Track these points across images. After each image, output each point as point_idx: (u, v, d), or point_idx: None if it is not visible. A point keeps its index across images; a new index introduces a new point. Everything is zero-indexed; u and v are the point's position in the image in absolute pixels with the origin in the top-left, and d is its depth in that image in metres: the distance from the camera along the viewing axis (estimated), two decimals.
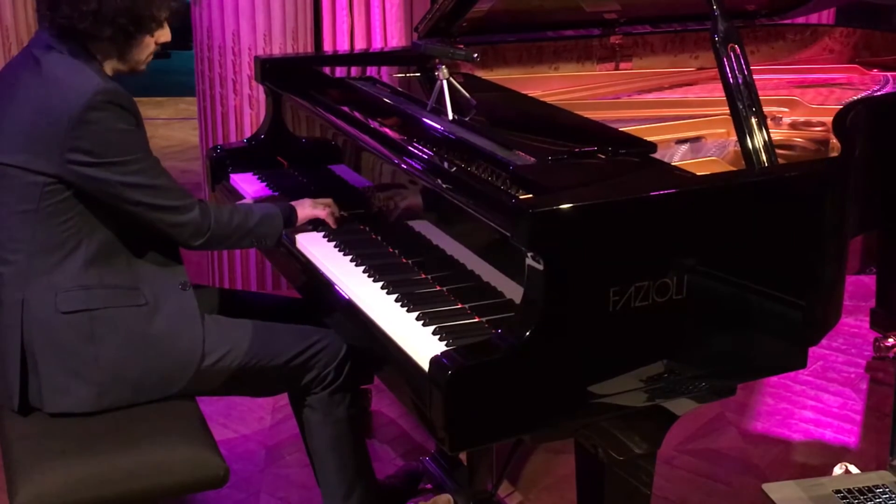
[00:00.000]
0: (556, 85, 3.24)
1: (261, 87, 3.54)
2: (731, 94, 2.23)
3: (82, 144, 2.20)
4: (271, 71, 3.21)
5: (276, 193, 2.99)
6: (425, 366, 1.93)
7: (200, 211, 2.38)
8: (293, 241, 2.65)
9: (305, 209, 2.64)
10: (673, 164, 2.30)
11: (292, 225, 2.62)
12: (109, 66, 2.35)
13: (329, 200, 2.69)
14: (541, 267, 1.87)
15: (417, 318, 2.16)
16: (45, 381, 2.30)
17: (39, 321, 2.28)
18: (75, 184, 2.24)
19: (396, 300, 2.26)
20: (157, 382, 2.35)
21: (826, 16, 4.49)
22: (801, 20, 3.83)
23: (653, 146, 2.29)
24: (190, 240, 2.39)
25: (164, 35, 2.40)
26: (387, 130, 2.61)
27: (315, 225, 2.69)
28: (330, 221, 2.66)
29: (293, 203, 2.64)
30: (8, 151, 2.27)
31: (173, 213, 2.33)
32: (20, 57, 2.38)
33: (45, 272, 2.28)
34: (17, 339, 2.30)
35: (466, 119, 2.52)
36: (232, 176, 3.24)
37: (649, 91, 3.27)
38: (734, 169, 2.38)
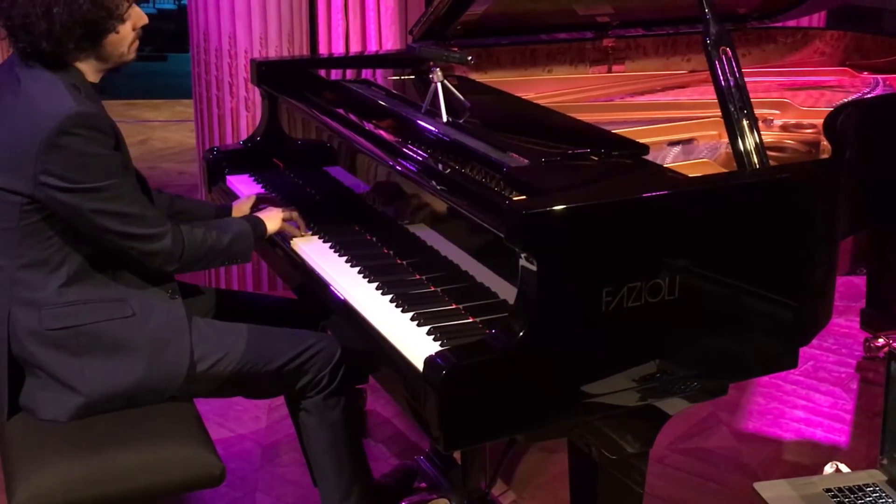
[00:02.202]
0: (549, 87, 3.26)
1: (257, 90, 3.55)
2: (722, 96, 2.24)
3: (53, 168, 2.16)
4: (267, 74, 3.22)
5: (274, 195, 3.00)
6: (420, 366, 1.94)
7: (172, 238, 2.32)
8: (289, 243, 2.67)
9: (273, 222, 2.62)
10: (665, 165, 2.31)
11: (263, 238, 2.61)
12: (92, 70, 2.30)
13: (295, 213, 2.69)
14: (534, 268, 1.89)
15: (412, 319, 2.17)
16: (36, 390, 2.31)
17: (25, 336, 2.29)
18: (49, 206, 2.22)
19: (391, 301, 2.28)
20: (145, 392, 2.35)
21: (817, 19, 4.50)
22: (792, 23, 3.85)
23: (645, 148, 2.30)
24: (161, 266, 2.35)
25: (139, 19, 2.33)
26: (382, 132, 2.62)
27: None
28: (295, 232, 2.66)
29: (261, 215, 2.62)
30: None
31: (144, 241, 2.28)
32: (3, 73, 2.35)
33: (28, 289, 2.28)
34: (3, 351, 2.31)
35: (460, 121, 2.54)
36: (228, 178, 3.25)
37: (642, 93, 3.28)
38: (726, 171, 2.39)
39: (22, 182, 2.20)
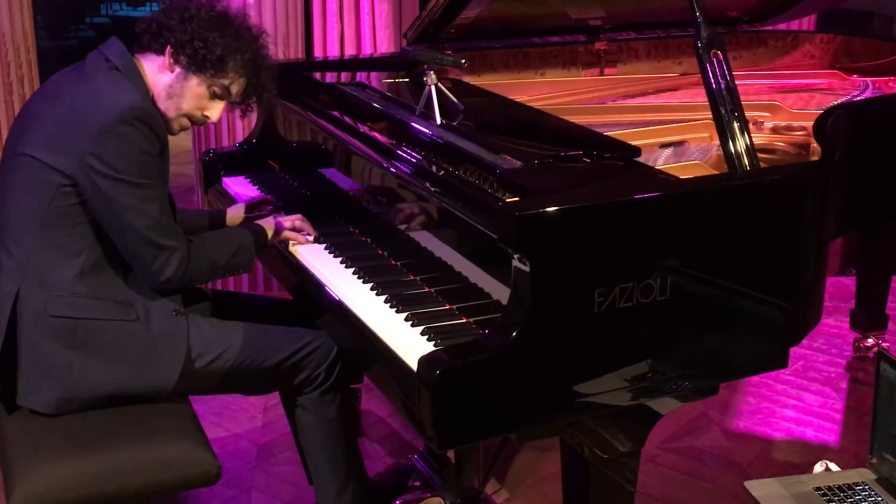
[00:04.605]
0: (542, 90, 3.28)
1: None
2: (713, 98, 2.25)
3: (103, 153, 2.22)
4: None
5: (269, 196, 3.02)
6: (414, 366, 1.95)
7: (181, 255, 2.34)
8: (285, 244, 2.68)
9: (273, 230, 2.63)
10: (656, 167, 2.32)
11: (265, 248, 2.63)
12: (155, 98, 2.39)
13: (299, 216, 2.70)
14: (527, 268, 1.90)
15: (406, 319, 2.19)
16: (21, 374, 2.33)
17: (27, 317, 2.31)
18: (86, 191, 2.26)
19: (385, 301, 2.29)
20: (127, 398, 2.36)
21: (807, 22, 4.53)
22: (782, 26, 3.87)
23: (637, 150, 2.32)
24: (161, 284, 2.35)
25: (214, 109, 2.43)
26: (376, 135, 2.64)
27: None
28: (300, 240, 2.67)
29: (262, 223, 2.63)
30: (34, 145, 2.30)
31: (158, 251, 2.30)
32: (72, 71, 2.43)
33: (42, 271, 2.30)
34: (2, 327, 2.31)
35: (454, 123, 2.55)
36: (224, 179, 3.27)
37: (633, 96, 3.30)
38: (717, 172, 2.40)
39: (66, 159, 2.25)
